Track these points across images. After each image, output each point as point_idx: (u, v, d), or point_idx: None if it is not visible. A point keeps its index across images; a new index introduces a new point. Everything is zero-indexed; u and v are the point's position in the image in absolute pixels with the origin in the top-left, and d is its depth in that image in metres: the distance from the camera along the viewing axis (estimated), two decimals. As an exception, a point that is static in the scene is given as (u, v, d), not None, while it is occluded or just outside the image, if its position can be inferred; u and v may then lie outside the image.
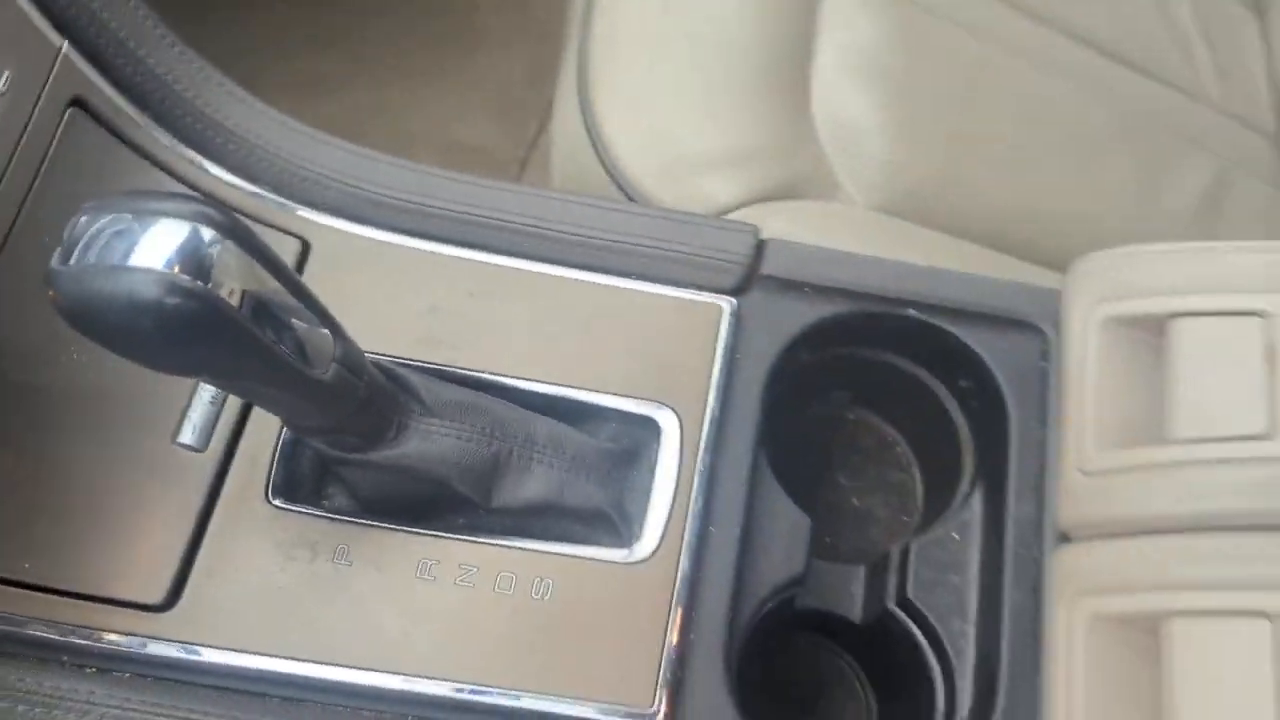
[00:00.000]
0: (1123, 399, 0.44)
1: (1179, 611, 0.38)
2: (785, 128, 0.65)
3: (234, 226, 0.35)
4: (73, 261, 0.34)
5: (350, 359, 0.41)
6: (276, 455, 0.46)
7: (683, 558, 0.45)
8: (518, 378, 0.48)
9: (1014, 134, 0.69)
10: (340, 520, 0.46)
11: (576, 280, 0.50)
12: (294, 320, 0.38)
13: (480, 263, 0.51)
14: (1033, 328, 0.50)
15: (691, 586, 0.45)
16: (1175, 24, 0.81)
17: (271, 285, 0.37)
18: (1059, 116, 0.72)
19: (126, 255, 0.34)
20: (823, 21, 0.69)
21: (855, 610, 0.51)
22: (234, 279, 0.35)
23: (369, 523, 0.46)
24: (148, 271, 0.33)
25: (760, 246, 0.51)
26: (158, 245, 0.34)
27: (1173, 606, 0.39)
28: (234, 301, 0.35)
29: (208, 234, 0.35)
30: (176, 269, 0.33)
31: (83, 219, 0.35)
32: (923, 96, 0.68)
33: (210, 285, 0.34)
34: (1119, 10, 0.80)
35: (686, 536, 0.46)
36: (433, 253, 0.51)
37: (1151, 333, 0.44)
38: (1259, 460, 0.39)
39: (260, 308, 0.37)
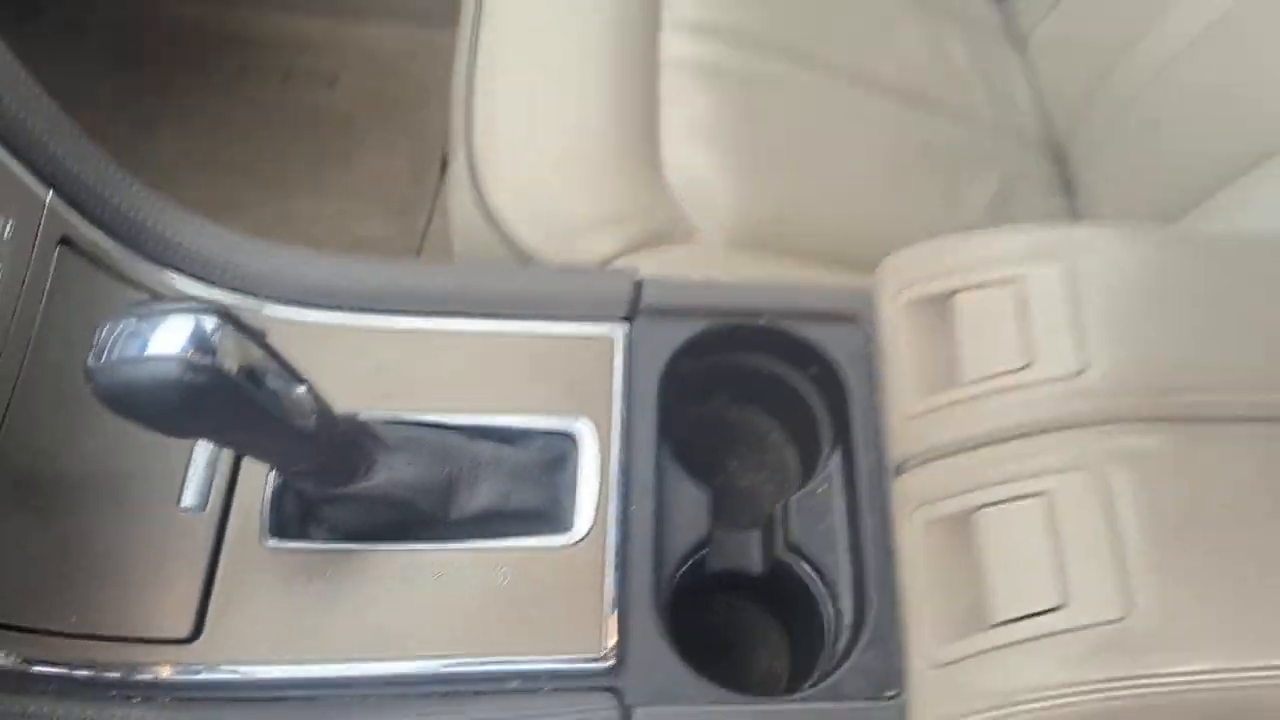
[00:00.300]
0: (926, 360, 0.57)
1: (982, 505, 0.51)
2: (645, 191, 0.78)
3: (228, 314, 0.46)
4: (104, 359, 0.44)
5: (324, 412, 0.51)
6: (266, 504, 0.56)
7: (611, 534, 0.56)
8: (458, 413, 0.59)
9: (833, 170, 0.84)
10: (328, 548, 0.56)
11: (496, 330, 0.62)
12: (278, 384, 0.49)
13: (414, 328, 0.62)
14: (858, 319, 0.63)
15: (621, 556, 0.56)
16: (953, 66, 0.98)
17: (258, 357, 0.48)
18: (867, 151, 0.87)
19: (148, 347, 0.44)
20: (663, 103, 0.83)
21: (755, 565, 0.62)
22: (232, 356, 0.45)
23: (353, 546, 0.56)
24: (169, 357, 0.44)
25: (639, 284, 0.64)
26: (173, 335, 0.44)
27: (978, 502, 0.51)
28: (234, 372, 0.45)
29: (209, 323, 0.45)
30: (191, 352, 0.44)
31: (107, 326, 0.45)
32: (754, 150, 0.82)
33: (217, 361, 0.44)
34: (906, 60, 0.96)
35: (612, 517, 0.57)
36: (371, 325, 0.62)
37: (941, 306, 0.58)
38: (1022, 386, 0.53)
39: (252, 376, 0.47)
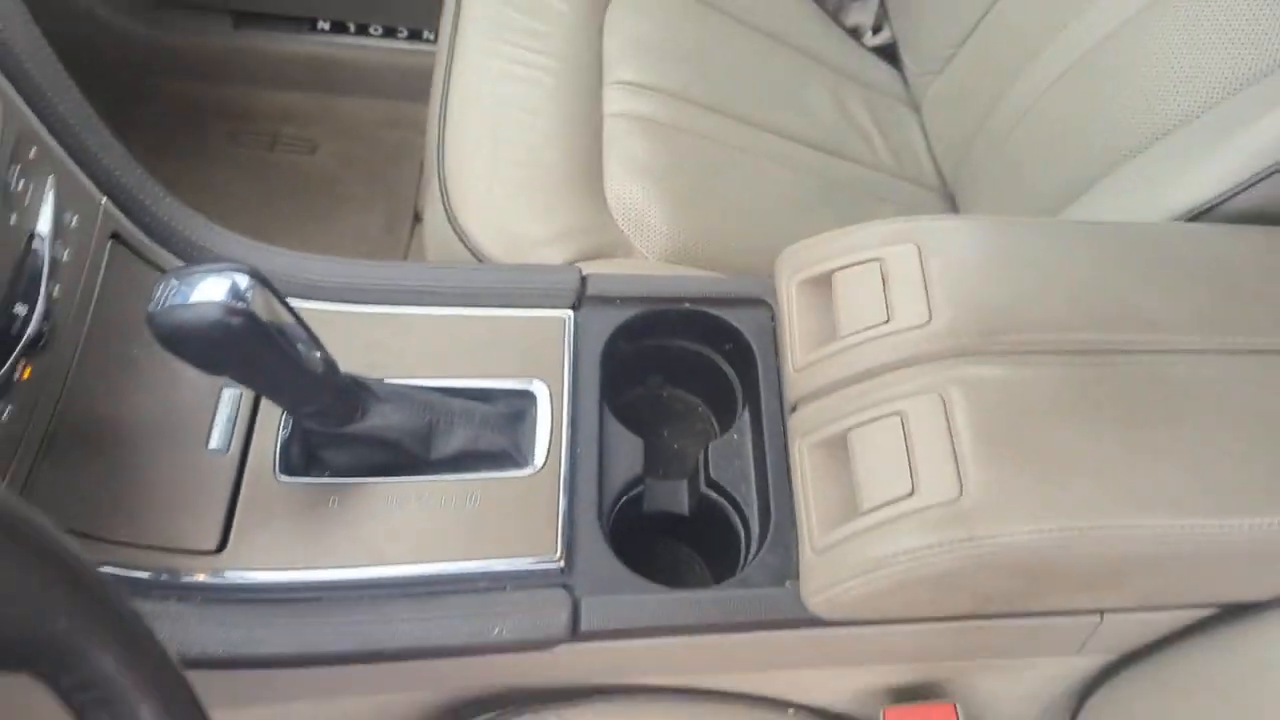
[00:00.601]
0: (811, 324, 0.71)
1: (853, 426, 0.65)
2: (590, 215, 0.92)
3: (258, 274, 0.59)
4: (160, 305, 0.57)
5: (329, 361, 0.64)
6: (278, 447, 0.69)
7: (562, 467, 0.69)
8: (435, 378, 0.72)
9: (748, 202, 0.99)
10: (329, 481, 0.68)
11: (467, 314, 0.75)
12: (294, 333, 0.62)
13: (397, 314, 0.75)
14: (763, 302, 0.77)
15: (570, 483, 0.69)
16: (856, 122, 1.15)
17: (279, 309, 0.61)
18: (781, 189, 1.03)
19: (196, 295, 0.57)
20: (606, 145, 0.98)
21: (683, 506, 0.75)
22: (260, 305, 0.58)
23: (349, 480, 0.68)
24: (212, 303, 0.57)
25: (584, 279, 0.78)
26: (215, 287, 0.57)
27: (851, 424, 0.65)
28: (261, 317, 0.58)
29: (244, 279, 0.58)
30: (229, 300, 0.57)
31: (164, 280, 0.58)
32: (681, 184, 0.97)
33: (249, 308, 0.57)
34: (815, 116, 1.12)
35: (563, 455, 0.70)
36: (362, 313, 0.75)
37: (824, 284, 0.72)
38: (883, 336, 0.67)
39: (275, 322, 0.60)
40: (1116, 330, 0.65)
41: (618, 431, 0.73)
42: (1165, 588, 0.64)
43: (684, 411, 0.83)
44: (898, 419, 0.64)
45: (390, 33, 1.47)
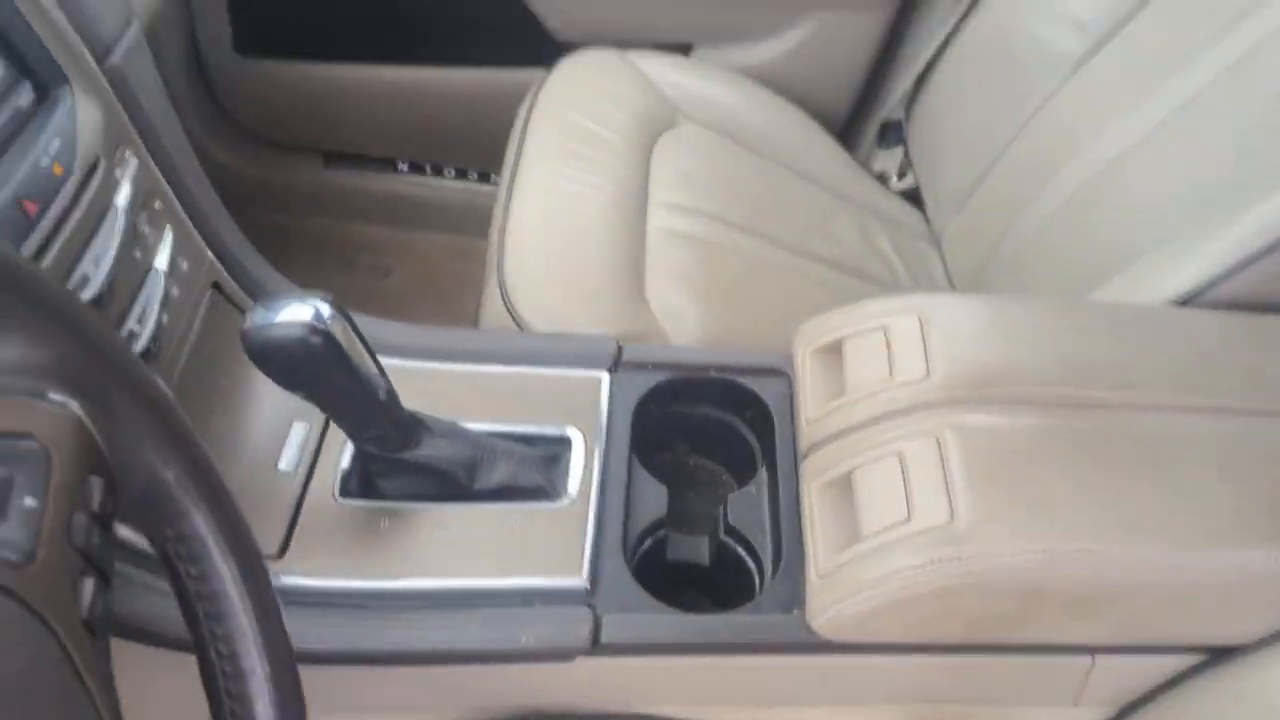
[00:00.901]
0: (822, 383, 0.79)
1: (857, 466, 0.71)
2: (630, 308, 1.02)
3: (336, 303, 0.68)
4: (254, 324, 0.67)
5: (391, 392, 0.73)
6: (339, 473, 0.77)
7: (592, 502, 0.76)
8: (484, 422, 0.80)
9: (778, 307, 1.08)
10: (382, 505, 0.76)
11: (514, 372, 0.84)
12: (363, 359, 0.71)
13: (454, 370, 0.85)
14: (782, 373, 0.85)
15: (599, 516, 0.75)
16: (878, 250, 1.25)
17: (353, 335, 0.70)
18: (805, 297, 1.12)
19: (284, 317, 0.66)
20: (650, 252, 1.09)
21: (704, 558, 0.81)
22: (337, 330, 0.67)
23: (400, 504, 0.76)
24: (297, 324, 0.66)
25: (620, 347, 0.86)
26: (301, 311, 0.67)
27: (855, 465, 0.71)
28: (338, 340, 0.68)
29: (325, 308, 0.68)
30: (311, 322, 0.66)
31: (259, 304, 0.68)
32: (716, 288, 1.06)
33: (328, 330, 0.67)
34: (839, 242, 1.23)
35: (594, 491, 0.77)
36: (424, 368, 0.85)
37: (835, 351, 0.80)
38: (886, 389, 0.74)
39: (349, 346, 0.69)
40: (1096, 387, 0.72)
41: (645, 478, 0.80)
42: (1150, 621, 0.68)
43: (707, 479, 0.90)
44: (897, 458, 0.70)
45: (462, 174, 1.63)
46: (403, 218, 1.65)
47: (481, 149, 1.58)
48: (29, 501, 0.33)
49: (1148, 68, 1.02)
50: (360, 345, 0.70)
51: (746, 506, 0.80)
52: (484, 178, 1.63)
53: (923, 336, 0.76)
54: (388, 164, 1.63)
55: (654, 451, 0.87)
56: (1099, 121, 1.05)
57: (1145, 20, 1.05)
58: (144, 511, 0.41)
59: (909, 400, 0.73)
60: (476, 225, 1.60)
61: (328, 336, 0.66)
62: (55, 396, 0.37)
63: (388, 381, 0.72)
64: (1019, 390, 0.72)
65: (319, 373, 0.68)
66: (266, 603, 0.43)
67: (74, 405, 0.37)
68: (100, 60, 0.74)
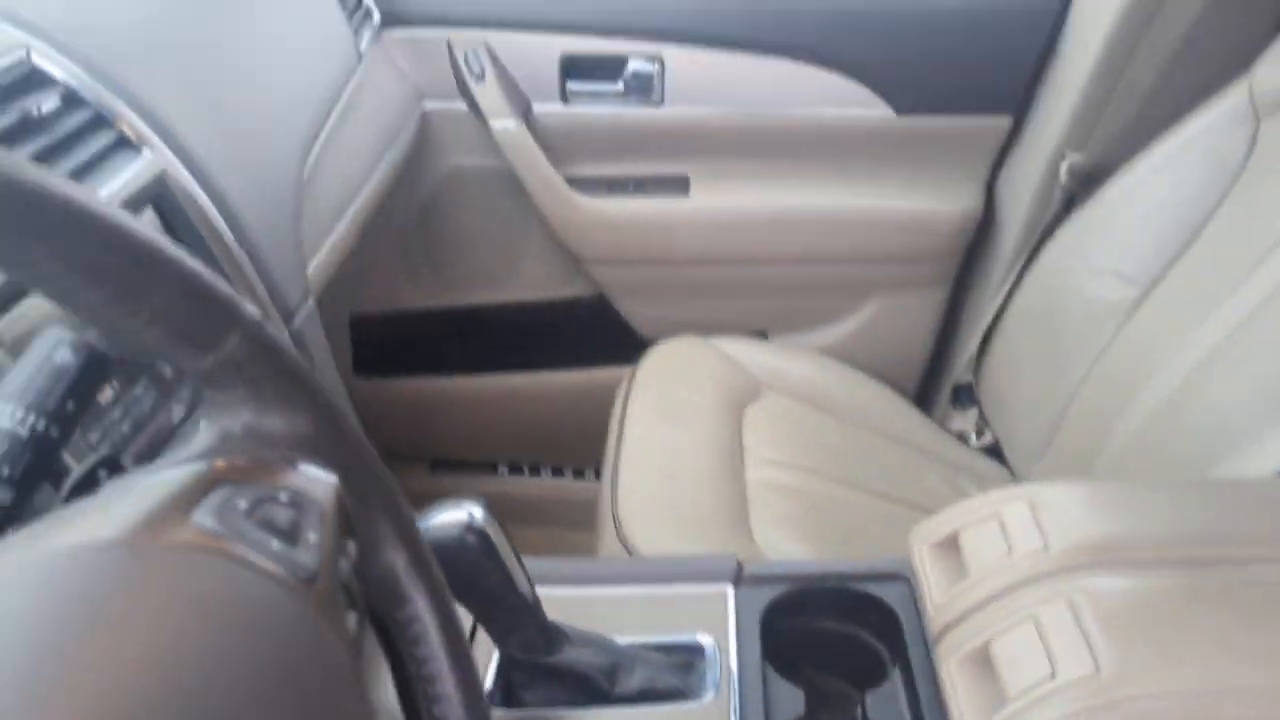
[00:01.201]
0: (945, 576, 0.82)
1: (993, 636, 0.73)
2: (739, 543, 1.07)
3: (490, 508, 0.75)
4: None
5: (536, 597, 0.77)
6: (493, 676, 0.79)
7: (733, 698, 0.77)
8: (622, 635, 0.83)
9: (882, 544, 1.12)
10: (527, 712, 0.77)
11: (644, 589, 0.88)
12: (512, 561, 0.76)
13: (589, 593, 0.89)
14: (900, 576, 0.88)
15: (741, 714, 0.76)
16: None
17: (504, 543, 0.76)
18: (890, 527, 1.16)
19: (440, 519, 0.73)
20: (752, 501, 1.16)
21: (846, 758, 0.80)
22: (490, 531, 0.74)
23: (547, 710, 0.77)
24: (456, 523, 0.73)
25: (740, 563, 0.91)
26: (458, 514, 0.73)
27: (990, 636, 0.73)
28: (491, 539, 0.73)
29: (479, 511, 0.74)
30: (469, 521, 0.73)
31: (429, 509, 0.75)
32: (818, 526, 1.11)
33: (482, 530, 0.73)
34: (933, 493, 1.28)
35: (732, 689, 0.78)
36: (558, 591, 0.89)
37: (952, 543, 0.84)
38: (1008, 566, 0.77)
39: (501, 547, 0.74)
40: (1219, 546, 0.75)
41: (779, 680, 0.81)
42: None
43: (838, 698, 0.90)
44: (1032, 623, 0.72)
45: (558, 472, 1.73)
46: (502, 514, 1.73)
47: (577, 448, 1.69)
48: (313, 536, 0.39)
49: (1201, 299, 1.11)
50: (509, 546, 0.75)
51: (884, 702, 0.80)
52: (579, 473, 1.73)
53: (1034, 518, 0.80)
54: (488, 466, 1.74)
55: (783, 670, 0.88)
56: (1168, 352, 1.13)
57: (1190, 260, 1.17)
58: (375, 589, 0.46)
59: (1031, 570, 0.76)
60: (570, 519, 1.68)
61: (482, 535, 0.72)
62: (323, 469, 0.43)
63: (532, 586, 0.77)
64: (1141, 554, 0.75)
65: (472, 573, 0.73)
66: (476, 687, 0.46)
67: (336, 479, 0.44)
68: (286, 323, 0.86)
